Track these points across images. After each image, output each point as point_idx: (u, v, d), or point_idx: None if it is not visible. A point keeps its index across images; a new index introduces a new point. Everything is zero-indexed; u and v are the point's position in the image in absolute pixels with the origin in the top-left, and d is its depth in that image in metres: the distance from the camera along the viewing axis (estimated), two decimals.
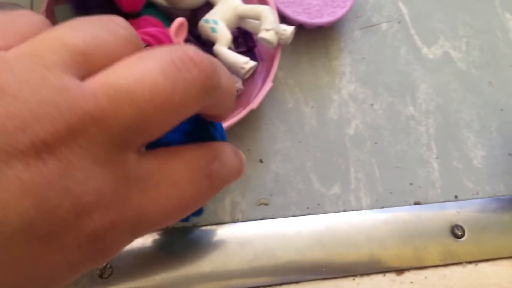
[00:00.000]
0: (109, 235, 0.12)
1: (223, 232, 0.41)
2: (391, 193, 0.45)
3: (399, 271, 0.42)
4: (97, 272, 0.38)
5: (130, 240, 0.13)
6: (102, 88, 0.12)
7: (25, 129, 0.10)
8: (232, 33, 0.42)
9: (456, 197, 0.46)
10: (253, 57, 0.45)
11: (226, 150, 0.16)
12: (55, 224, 0.11)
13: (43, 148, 0.10)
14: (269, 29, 0.39)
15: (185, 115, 0.13)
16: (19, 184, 0.10)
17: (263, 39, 0.40)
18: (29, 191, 0.10)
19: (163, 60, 0.12)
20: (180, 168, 0.14)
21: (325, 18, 0.47)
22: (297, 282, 0.40)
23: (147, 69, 0.12)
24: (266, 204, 0.42)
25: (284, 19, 0.47)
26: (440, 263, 0.43)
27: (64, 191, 0.11)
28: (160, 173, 0.13)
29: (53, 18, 0.42)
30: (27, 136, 0.10)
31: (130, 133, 0.12)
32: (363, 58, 0.50)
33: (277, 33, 0.40)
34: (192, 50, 0.13)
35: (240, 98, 0.44)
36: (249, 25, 0.42)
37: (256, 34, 0.41)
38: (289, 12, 0.46)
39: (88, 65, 0.12)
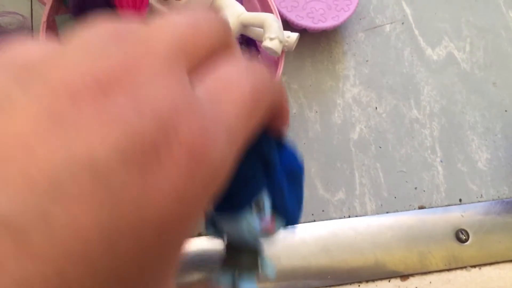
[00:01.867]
0: (203, 144, 0.12)
1: None
2: (395, 197, 0.45)
3: (404, 276, 0.42)
4: None
5: (231, 153, 0.13)
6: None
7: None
8: (236, 39, 0.41)
9: (460, 200, 0.46)
10: None
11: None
12: (148, 148, 0.11)
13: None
14: (273, 38, 0.39)
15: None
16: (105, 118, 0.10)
17: (268, 48, 0.40)
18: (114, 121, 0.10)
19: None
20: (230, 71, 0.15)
21: (328, 22, 0.46)
22: None
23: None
24: None
25: (287, 23, 0.47)
26: (445, 267, 0.43)
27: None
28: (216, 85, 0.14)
29: (54, 27, 0.42)
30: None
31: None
32: (367, 60, 0.50)
33: (281, 41, 0.40)
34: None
35: None
36: (253, 32, 0.42)
37: (260, 41, 0.41)
38: (292, 16, 0.46)
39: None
